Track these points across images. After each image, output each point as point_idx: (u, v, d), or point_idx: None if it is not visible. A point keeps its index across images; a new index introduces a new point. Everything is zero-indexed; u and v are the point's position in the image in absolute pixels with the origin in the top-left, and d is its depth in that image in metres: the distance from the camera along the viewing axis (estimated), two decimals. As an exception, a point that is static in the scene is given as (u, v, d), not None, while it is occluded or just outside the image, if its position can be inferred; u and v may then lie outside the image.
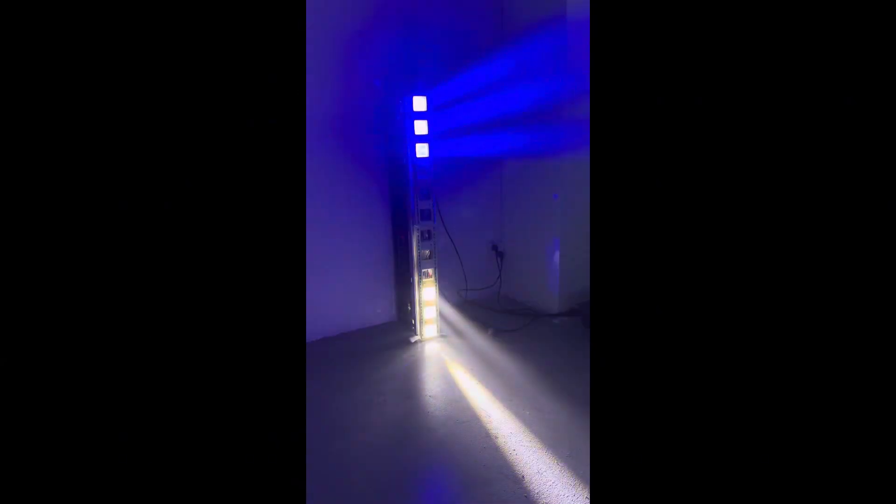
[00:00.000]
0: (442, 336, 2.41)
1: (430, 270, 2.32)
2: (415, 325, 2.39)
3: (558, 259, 2.56)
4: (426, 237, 2.28)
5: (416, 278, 2.30)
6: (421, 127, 2.15)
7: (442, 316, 2.47)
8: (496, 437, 1.59)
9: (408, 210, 2.26)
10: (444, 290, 2.66)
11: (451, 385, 1.96)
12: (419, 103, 2.13)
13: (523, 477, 1.40)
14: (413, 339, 2.36)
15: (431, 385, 1.97)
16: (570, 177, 2.47)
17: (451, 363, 2.14)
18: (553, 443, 1.55)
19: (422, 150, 2.17)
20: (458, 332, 2.47)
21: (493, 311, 2.75)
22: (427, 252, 2.30)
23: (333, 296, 2.43)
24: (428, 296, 2.33)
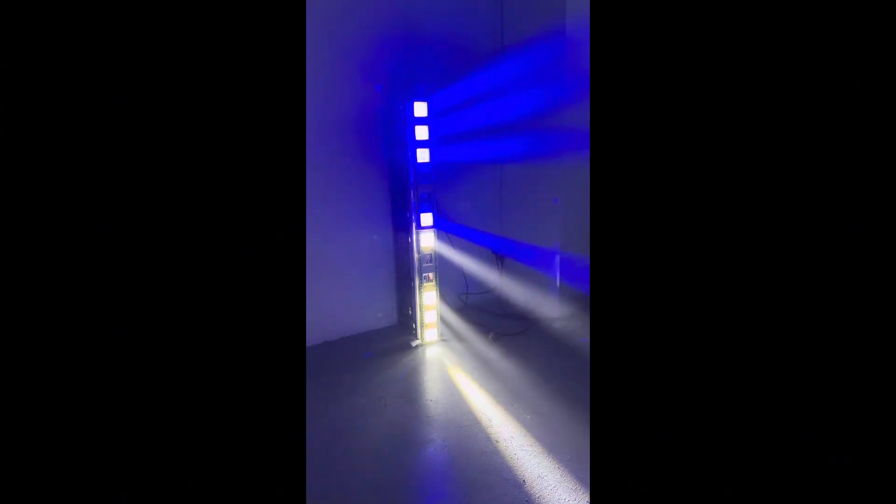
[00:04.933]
0: (443, 340, 2.40)
1: (431, 275, 2.32)
2: (416, 330, 2.38)
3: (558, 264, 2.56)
4: (427, 241, 2.28)
5: (416, 282, 2.30)
6: (422, 132, 2.16)
7: (443, 320, 2.47)
8: (497, 442, 1.58)
9: (409, 214, 2.26)
10: (445, 295, 2.66)
11: (451, 389, 1.95)
12: (420, 108, 2.14)
13: (524, 481, 1.40)
14: (414, 343, 2.36)
15: (432, 389, 1.97)
16: (571, 180, 2.47)
17: (452, 367, 2.14)
18: (554, 447, 1.54)
19: (423, 155, 2.18)
20: (459, 336, 2.46)
21: (493, 315, 2.74)
22: (428, 256, 2.30)
23: (335, 300, 2.43)
24: (429, 300, 2.33)
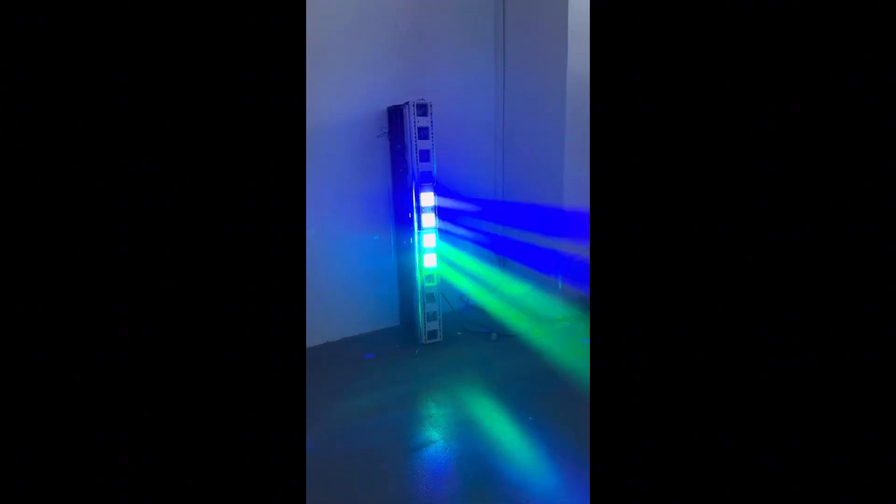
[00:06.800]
0: (444, 341, 2.40)
1: (433, 275, 2.32)
2: (417, 330, 2.38)
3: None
4: (429, 242, 2.28)
5: (419, 283, 2.30)
6: (424, 134, 2.17)
7: (444, 320, 2.46)
8: (498, 443, 1.58)
9: (411, 214, 2.26)
10: (447, 295, 2.66)
11: (453, 390, 1.95)
12: (423, 110, 2.14)
13: (526, 482, 1.39)
14: (416, 344, 2.36)
15: (434, 389, 1.97)
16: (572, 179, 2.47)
17: (454, 368, 2.14)
18: (555, 448, 1.54)
19: (425, 156, 2.18)
20: (461, 337, 2.46)
21: (495, 315, 2.74)
22: (430, 256, 2.30)
23: (337, 301, 2.43)
24: (430, 300, 2.33)
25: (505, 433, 1.63)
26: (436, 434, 1.65)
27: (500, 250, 2.94)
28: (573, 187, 2.48)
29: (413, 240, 2.27)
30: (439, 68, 2.54)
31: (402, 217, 2.38)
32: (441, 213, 2.32)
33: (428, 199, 2.22)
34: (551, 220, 2.50)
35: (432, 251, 2.32)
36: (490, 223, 2.88)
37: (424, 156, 2.19)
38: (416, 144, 2.16)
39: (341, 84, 2.27)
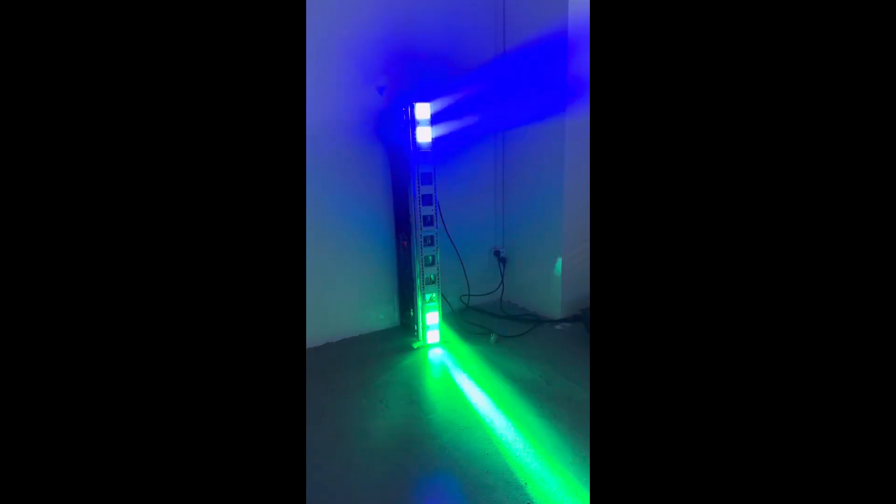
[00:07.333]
0: (444, 341, 2.40)
1: (433, 276, 2.32)
2: (417, 331, 2.38)
3: (561, 264, 2.56)
4: (429, 243, 2.28)
5: (418, 284, 2.30)
6: (424, 134, 2.16)
7: (444, 321, 2.46)
8: (499, 444, 1.58)
9: (410, 215, 2.26)
10: (447, 296, 2.66)
11: (453, 391, 1.95)
12: (422, 110, 2.14)
13: (526, 483, 1.39)
14: (415, 345, 2.36)
15: (434, 391, 1.96)
16: (573, 180, 2.47)
17: (454, 369, 2.13)
18: (556, 449, 1.54)
19: (424, 157, 2.19)
20: (461, 338, 2.46)
21: (495, 316, 2.74)
22: (429, 258, 2.30)
23: (337, 301, 2.43)
24: (430, 301, 2.33)
25: (505, 434, 1.63)
26: (436, 434, 1.64)
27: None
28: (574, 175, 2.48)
29: (412, 239, 2.27)
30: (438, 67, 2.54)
31: (402, 215, 2.38)
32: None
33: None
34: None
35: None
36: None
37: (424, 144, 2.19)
38: (415, 142, 2.17)
39: (341, 84, 2.27)
